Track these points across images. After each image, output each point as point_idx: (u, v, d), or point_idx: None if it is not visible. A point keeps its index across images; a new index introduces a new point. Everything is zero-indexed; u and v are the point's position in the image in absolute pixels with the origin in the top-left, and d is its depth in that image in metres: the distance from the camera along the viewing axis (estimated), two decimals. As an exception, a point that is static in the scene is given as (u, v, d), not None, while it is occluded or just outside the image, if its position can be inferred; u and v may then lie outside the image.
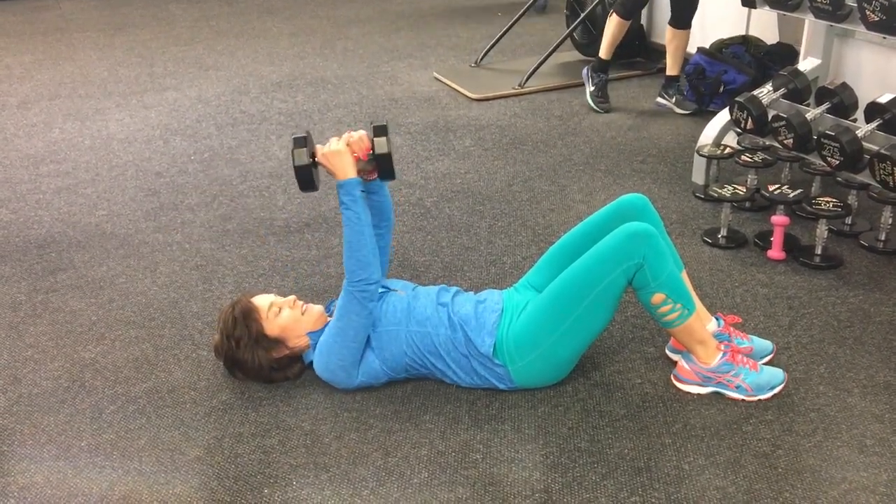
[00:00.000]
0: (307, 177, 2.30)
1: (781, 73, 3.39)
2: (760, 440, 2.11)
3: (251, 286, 2.89)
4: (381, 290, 2.38)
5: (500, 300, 2.35)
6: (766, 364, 2.37)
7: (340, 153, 2.25)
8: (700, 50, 4.61)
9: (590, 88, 4.59)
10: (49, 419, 2.26)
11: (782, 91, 3.31)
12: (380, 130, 2.26)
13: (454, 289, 2.43)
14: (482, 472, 2.03)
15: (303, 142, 2.29)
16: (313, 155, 2.29)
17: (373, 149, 2.27)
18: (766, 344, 2.44)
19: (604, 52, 4.55)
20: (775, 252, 2.97)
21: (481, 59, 5.41)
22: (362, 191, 2.28)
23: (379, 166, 2.28)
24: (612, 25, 4.48)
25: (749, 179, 3.33)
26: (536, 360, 2.23)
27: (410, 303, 2.32)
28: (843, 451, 2.07)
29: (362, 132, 2.30)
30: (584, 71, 4.65)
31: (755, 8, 3.49)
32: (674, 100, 4.52)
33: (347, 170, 2.25)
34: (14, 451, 2.15)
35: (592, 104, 4.55)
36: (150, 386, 2.39)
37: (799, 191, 2.96)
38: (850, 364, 2.40)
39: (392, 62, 5.56)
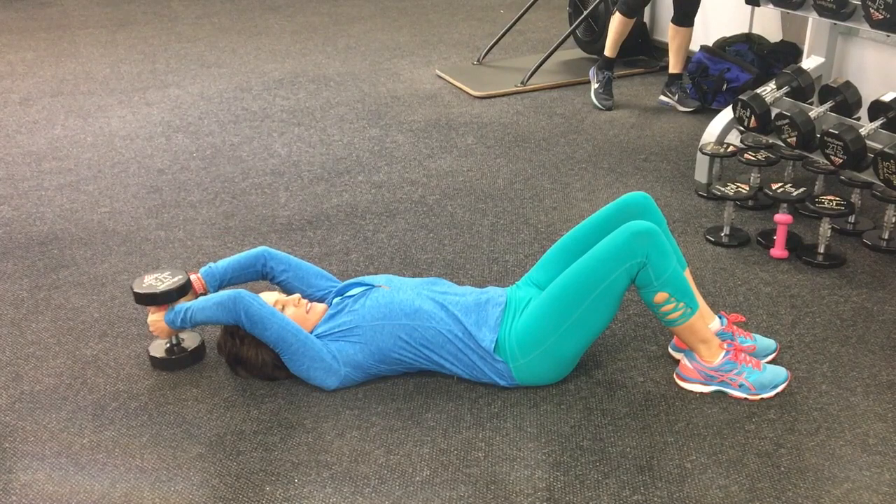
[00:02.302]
0: (193, 356, 2.46)
1: (785, 71, 3.38)
2: (763, 439, 2.10)
3: (254, 284, 2.89)
4: (363, 288, 2.38)
5: (503, 294, 2.35)
6: (769, 363, 2.37)
7: (152, 324, 2.38)
8: (703, 48, 4.60)
9: (594, 86, 4.59)
10: (51, 416, 2.26)
11: (785, 89, 3.30)
12: (140, 299, 2.37)
13: (444, 282, 2.43)
14: (484, 471, 2.03)
15: (165, 353, 2.45)
16: (171, 349, 2.46)
17: (159, 302, 2.38)
18: (769, 342, 2.44)
19: (608, 50, 4.55)
20: (778, 250, 2.97)
21: (484, 57, 5.40)
22: (219, 287, 2.46)
23: (171, 301, 2.37)
24: (616, 23, 4.47)
25: (752, 178, 3.33)
26: (538, 357, 2.23)
27: (395, 297, 2.31)
28: (845, 450, 2.07)
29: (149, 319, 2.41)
30: (591, 70, 4.66)
31: (758, 6, 3.48)
32: (676, 98, 4.52)
33: (161, 322, 2.36)
34: (16, 448, 2.15)
35: (596, 101, 4.55)
36: (152, 383, 2.39)
37: (802, 189, 2.95)
38: (853, 363, 2.40)
39: (394, 59, 5.55)
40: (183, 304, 2.34)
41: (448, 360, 2.27)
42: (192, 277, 2.44)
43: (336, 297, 2.44)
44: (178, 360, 2.43)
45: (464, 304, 2.29)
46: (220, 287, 2.48)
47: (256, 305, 2.24)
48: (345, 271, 2.95)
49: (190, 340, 2.49)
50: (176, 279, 2.39)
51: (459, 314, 2.26)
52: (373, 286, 2.39)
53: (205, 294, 2.45)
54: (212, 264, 2.49)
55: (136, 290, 2.37)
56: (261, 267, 2.52)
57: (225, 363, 2.41)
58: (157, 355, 2.44)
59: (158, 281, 2.38)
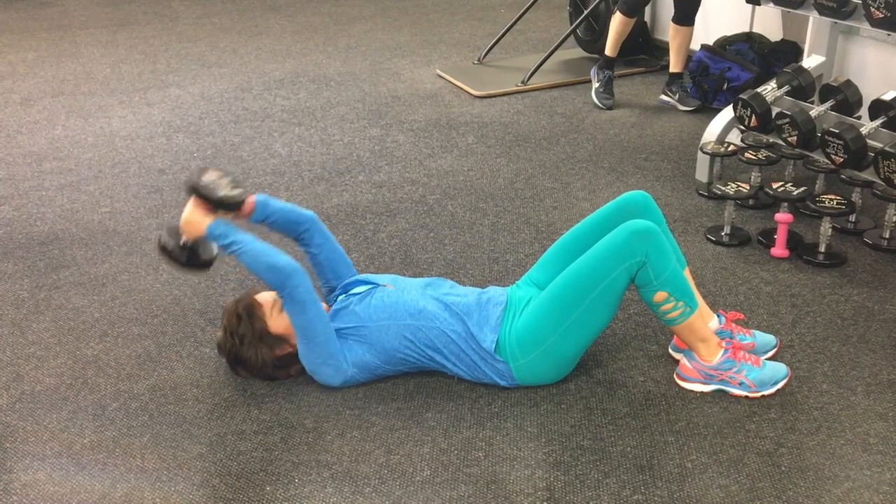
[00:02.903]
0: (195, 260, 2.33)
1: (785, 70, 3.38)
2: (763, 438, 2.10)
3: (254, 283, 2.89)
4: (368, 286, 2.39)
5: (504, 294, 2.35)
6: (769, 359, 2.36)
7: (187, 221, 2.27)
8: (703, 47, 4.60)
9: (595, 85, 4.59)
10: (51, 416, 2.26)
11: (786, 88, 3.30)
12: (192, 186, 2.28)
13: (448, 282, 2.43)
14: (484, 470, 2.03)
15: (169, 237, 2.32)
16: (182, 242, 2.32)
17: (212, 202, 2.29)
18: (768, 338, 2.44)
19: (609, 49, 4.55)
20: (779, 250, 2.97)
21: (484, 56, 5.40)
22: (257, 221, 2.36)
23: (224, 208, 2.30)
24: (616, 23, 4.47)
25: (752, 177, 3.32)
26: (538, 357, 2.23)
27: (400, 296, 2.31)
28: (846, 449, 2.07)
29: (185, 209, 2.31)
30: (592, 70, 4.66)
31: (759, 5, 3.48)
32: (677, 97, 4.51)
33: (201, 224, 2.26)
34: (16, 448, 2.15)
35: (596, 101, 4.55)
36: (153, 383, 2.39)
37: (803, 188, 2.95)
38: (853, 362, 2.40)
39: (395, 59, 5.55)
40: (231, 231, 2.24)
41: (451, 360, 2.27)
42: (248, 199, 2.35)
43: (341, 294, 2.44)
44: (181, 261, 2.31)
45: (466, 305, 2.29)
46: (261, 222, 2.41)
47: (305, 286, 2.22)
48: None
49: (205, 249, 2.36)
50: (236, 192, 2.29)
51: (462, 314, 2.27)
52: (377, 285, 2.39)
53: (243, 217, 2.36)
54: (269, 198, 2.42)
55: (195, 181, 2.25)
56: (303, 231, 2.48)
57: (225, 363, 2.41)
58: (165, 240, 2.31)
59: (220, 183, 2.27)
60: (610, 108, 4.52)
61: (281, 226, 2.46)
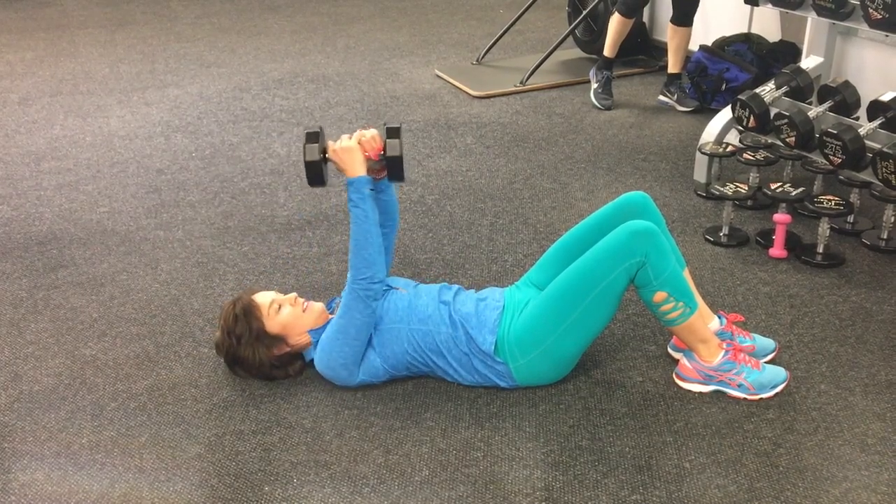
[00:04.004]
0: (317, 172, 2.29)
1: (784, 71, 3.38)
2: (762, 439, 2.10)
3: (252, 283, 2.89)
4: (383, 288, 2.38)
5: (500, 298, 2.35)
6: (768, 363, 2.36)
7: (352, 150, 2.25)
8: (702, 47, 4.60)
9: (594, 86, 4.59)
10: (50, 416, 2.26)
11: (784, 89, 3.30)
12: (393, 132, 2.26)
13: (455, 287, 2.43)
14: (483, 470, 2.03)
15: (315, 137, 2.28)
16: (325, 151, 2.28)
17: (385, 150, 2.27)
18: (768, 342, 2.44)
19: (608, 50, 4.55)
20: (777, 250, 2.97)
21: (483, 57, 5.40)
22: (371, 189, 2.28)
23: (389, 168, 2.29)
24: (615, 24, 4.48)
25: (751, 177, 3.33)
26: (538, 357, 2.23)
27: (412, 301, 2.32)
28: (844, 449, 2.07)
29: (374, 131, 2.30)
30: (591, 70, 4.67)
31: (757, 6, 3.48)
32: (675, 97, 4.52)
33: (357, 167, 2.25)
34: (15, 448, 2.15)
35: (595, 101, 4.55)
36: (151, 383, 2.39)
37: (801, 189, 2.96)
38: (851, 363, 2.40)
39: (393, 59, 5.55)
40: (368, 197, 2.22)
41: (453, 366, 2.27)
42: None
43: None
44: (311, 165, 2.25)
45: (465, 310, 2.30)
46: (378, 192, 2.39)
47: (378, 293, 2.23)
48: (343, 272, 2.95)
49: (326, 175, 2.32)
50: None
51: (462, 320, 2.27)
52: (391, 288, 2.39)
53: (376, 179, 2.34)
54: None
55: (397, 134, 2.24)
56: (388, 224, 2.48)
57: (223, 363, 2.41)
58: (313, 145, 2.25)
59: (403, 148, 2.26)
60: (609, 109, 4.52)
61: (381, 207, 2.43)
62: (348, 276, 2.24)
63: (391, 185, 2.44)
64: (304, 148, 2.28)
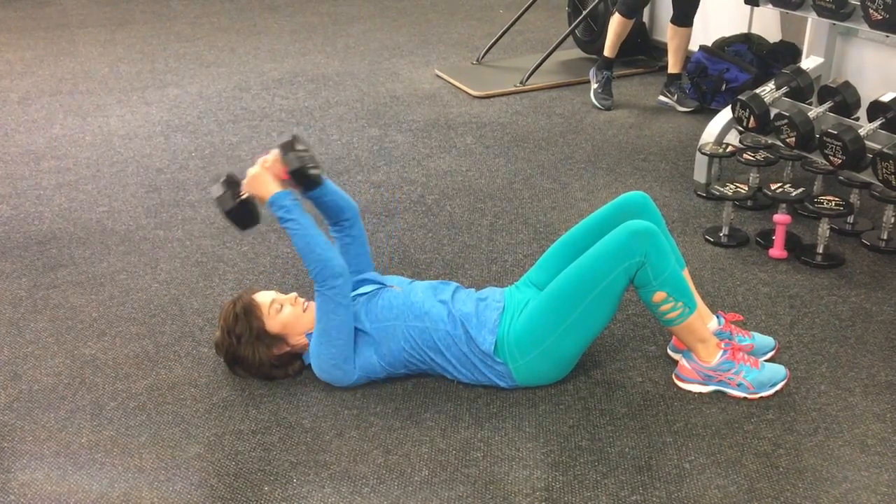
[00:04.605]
0: (243, 214, 2.29)
1: (784, 71, 3.38)
2: (762, 439, 2.10)
3: (252, 283, 2.89)
4: (375, 286, 2.39)
5: (501, 298, 2.35)
6: (768, 360, 2.36)
7: (256, 176, 2.26)
8: (702, 48, 4.60)
9: (594, 86, 4.59)
10: (49, 416, 2.26)
11: (784, 89, 3.30)
12: (286, 147, 2.25)
13: (453, 285, 2.43)
14: (483, 471, 2.02)
15: (224, 185, 2.28)
16: (238, 192, 2.28)
17: (287, 167, 2.27)
18: (767, 340, 2.44)
19: (608, 50, 4.55)
20: (777, 251, 2.97)
21: (483, 57, 5.40)
22: (310, 197, 2.30)
23: (297, 181, 2.28)
24: (615, 24, 4.48)
25: (751, 178, 3.33)
26: (537, 358, 2.22)
27: (407, 298, 2.31)
28: (844, 450, 2.07)
29: (274, 152, 2.30)
30: (591, 70, 4.67)
31: (758, 6, 3.48)
32: (675, 98, 4.52)
33: (269, 188, 2.24)
34: (14, 447, 2.15)
35: (595, 101, 4.55)
36: (151, 382, 2.39)
37: (801, 189, 2.96)
38: (851, 363, 2.40)
39: (393, 59, 5.55)
40: (295, 208, 2.21)
41: (452, 363, 2.27)
42: None
43: None
44: (235, 211, 2.26)
45: (465, 308, 2.29)
46: (314, 197, 2.40)
47: (346, 290, 2.23)
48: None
49: (255, 212, 2.31)
50: (318, 171, 2.27)
51: (462, 318, 2.26)
52: (384, 285, 2.39)
53: (292, 189, 2.33)
54: (326, 179, 2.41)
55: (293, 150, 2.23)
56: (345, 219, 2.48)
57: (223, 362, 2.41)
58: (225, 191, 2.26)
59: (308, 159, 2.24)
60: (609, 109, 4.52)
61: (328, 207, 2.45)
62: (314, 283, 2.24)
63: (327, 184, 2.41)
64: (217, 201, 2.28)
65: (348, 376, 2.28)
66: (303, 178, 2.27)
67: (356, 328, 2.29)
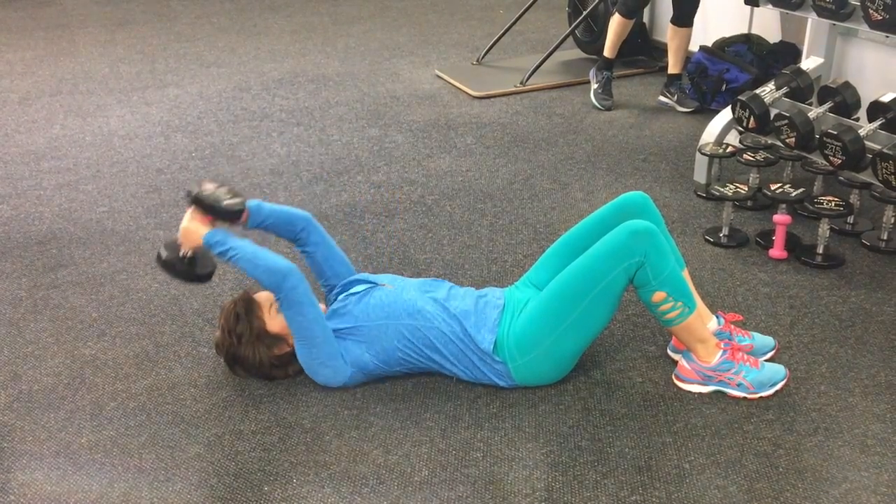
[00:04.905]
0: (193, 269, 2.36)
1: (784, 71, 3.38)
2: (761, 439, 2.10)
3: (252, 283, 2.88)
4: (367, 285, 2.38)
5: (501, 296, 2.35)
6: (768, 360, 2.36)
7: (185, 231, 2.30)
8: (702, 48, 4.60)
9: (594, 86, 4.60)
10: (49, 416, 2.26)
11: (784, 90, 3.30)
12: (192, 195, 2.30)
13: (447, 284, 2.43)
14: (483, 471, 2.03)
15: (166, 250, 2.36)
16: (180, 253, 2.34)
17: (208, 213, 2.31)
18: (767, 340, 2.44)
19: (608, 50, 4.56)
20: (777, 251, 2.97)
21: (483, 57, 5.40)
22: (253, 227, 2.38)
23: (221, 217, 2.32)
24: (615, 25, 4.48)
25: (751, 178, 3.33)
26: (537, 357, 2.22)
27: (399, 296, 2.31)
28: (844, 450, 2.07)
29: (189, 211, 2.33)
30: (591, 71, 4.67)
31: (758, 6, 3.48)
32: (676, 98, 4.52)
33: (199, 234, 2.28)
34: (14, 447, 2.15)
35: (595, 102, 4.55)
36: (151, 383, 2.39)
37: (801, 190, 2.96)
38: (851, 363, 2.40)
39: (393, 59, 5.55)
40: (228, 238, 2.25)
41: (449, 360, 2.27)
42: None
43: (339, 293, 2.44)
44: (183, 272, 2.34)
45: (464, 306, 2.29)
46: (257, 227, 2.42)
47: (302, 288, 2.22)
48: (343, 271, 2.95)
49: (204, 263, 2.39)
50: (236, 201, 2.31)
51: (460, 315, 2.26)
52: (376, 284, 2.39)
53: (240, 225, 2.38)
54: (262, 203, 2.42)
55: (196, 192, 2.28)
56: (299, 230, 2.48)
57: (223, 363, 2.41)
58: (168, 257, 2.33)
59: (220, 192, 2.29)
60: (609, 109, 4.52)
61: (277, 228, 2.46)
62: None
63: (263, 206, 2.41)
64: (165, 268, 2.35)
65: (340, 373, 2.27)
66: (224, 212, 2.30)
67: (347, 327, 2.29)
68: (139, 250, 3.14)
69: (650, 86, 4.92)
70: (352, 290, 2.39)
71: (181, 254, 2.33)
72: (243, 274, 2.91)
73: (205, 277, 2.41)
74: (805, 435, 2.12)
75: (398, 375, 2.35)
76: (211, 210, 2.28)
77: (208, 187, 2.31)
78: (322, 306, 2.42)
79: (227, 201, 2.29)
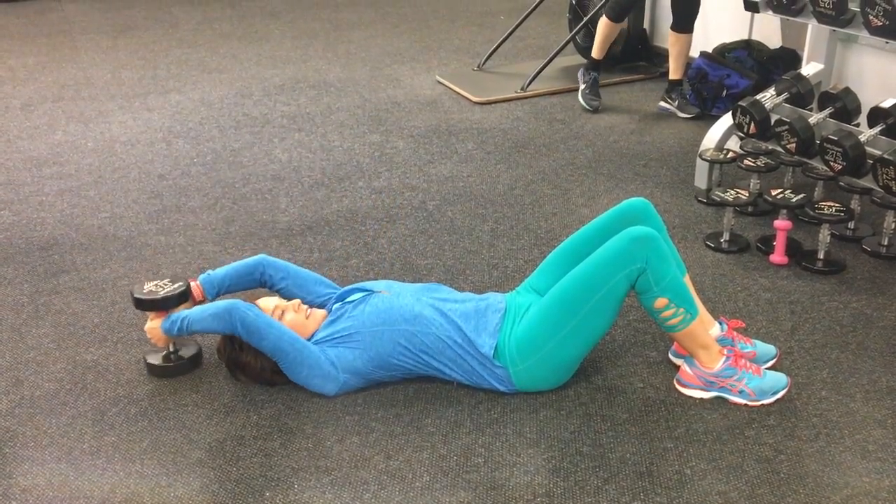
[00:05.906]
0: (186, 362, 2.45)
1: (784, 77, 3.39)
2: (763, 445, 2.10)
3: (253, 293, 2.88)
4: (363, 293, 2.39)
5: (503, 301, 2.35)
6: (769, 368, 2.37)
7: (149, 332, 2.40)
8: (703, 54, 4.61)
9: (581, 87, 4.62)
10: (51, 421, 2.26)
11: (785, 95, 3.31)
12: (135, 306, 2.40)
13: (445, 288, 2.43)
14: (484, 476, 2.03)
15: (163, 360, 2.46)
16: (165, 355, 2.46)
17: (161, 309, 2.39)
18: (769, 348, 2.44)
19: (595, 51, 4.61)
20: (778, 256, 2.97)
21: (484, 63, 5.41)
22: (217, 295, 2.47)
23: (171, 306, 2.38)
24: (603, 27, 4.53)
25: (752, 184, 3.33)
26: (538, 363, 2.23)
27: (394, 302, 2.31)
28: (845, 456, 2.07)
29: (148, 321, 2.42)
30: (579, 71, 4.71)
31: (758, 12, 3.49)
32: (676, 104, 4.53)
33: (164, 328, 2.35)
34: (16, 453, 2.15)
35: (583, 102, 4.58)
36: (152, 388, 2.39)
37: (801, 195, 2.96)
38: (852, 369, 2.40)
39: (394, 65, 5.56)
40: (180, 313, 2.34)
41: (448, 365, 2.27)
42: (192, 284, 2.44)
43: (336, 302, 2.44)
44: (175, 368, 2.43)
45: (463, 311, 2.30)
46: (218, 295, 2.48)
47: (252, 315, 2.24)
48: (344, 277, 2.95)
49: (187, 348, 2.49)
50: (175, 286, 2.40)
51: (459, 320, 2.26)
52: (372, 291, 2.39)
53: (203, 301, 2.45)
54: (210, 272, 2.49)
55: (136, 295, 2.38)
56: (259, 275, 2.52)
57: (224, 368, 2.41)
58: (155, 363, 2.44)
59: (159, 287, 2.40)
60: (596, 110, 4.54)
61: (238, 286, 2.51)
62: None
63: (211, 275, 2.48)
64: (175, 372, 2.45)
65: (332, 380, 2.27)
66: (165, 304, 2.38)
67: (343, 334, 2.28)
68: (141, 256, 3.15)
69: (651, 92, 4.93)
70: (349, 299, 2.40)
71: (167, 355, 2.45)
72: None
73: (195, 363, 2.48)
74: (806, 440, 2.12)
75: (398, 380, 2.35)
76: (153, 307, 2.38)
77: (145, 287, 2.41)
78: (323, 312, 2.42)
79: (164, 293, 2.38)
